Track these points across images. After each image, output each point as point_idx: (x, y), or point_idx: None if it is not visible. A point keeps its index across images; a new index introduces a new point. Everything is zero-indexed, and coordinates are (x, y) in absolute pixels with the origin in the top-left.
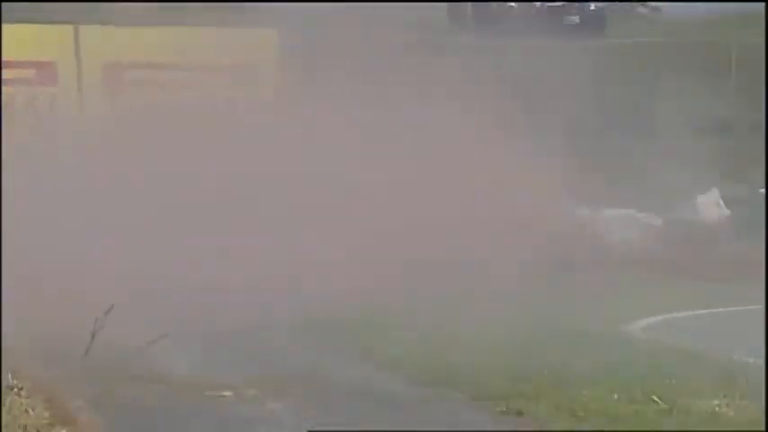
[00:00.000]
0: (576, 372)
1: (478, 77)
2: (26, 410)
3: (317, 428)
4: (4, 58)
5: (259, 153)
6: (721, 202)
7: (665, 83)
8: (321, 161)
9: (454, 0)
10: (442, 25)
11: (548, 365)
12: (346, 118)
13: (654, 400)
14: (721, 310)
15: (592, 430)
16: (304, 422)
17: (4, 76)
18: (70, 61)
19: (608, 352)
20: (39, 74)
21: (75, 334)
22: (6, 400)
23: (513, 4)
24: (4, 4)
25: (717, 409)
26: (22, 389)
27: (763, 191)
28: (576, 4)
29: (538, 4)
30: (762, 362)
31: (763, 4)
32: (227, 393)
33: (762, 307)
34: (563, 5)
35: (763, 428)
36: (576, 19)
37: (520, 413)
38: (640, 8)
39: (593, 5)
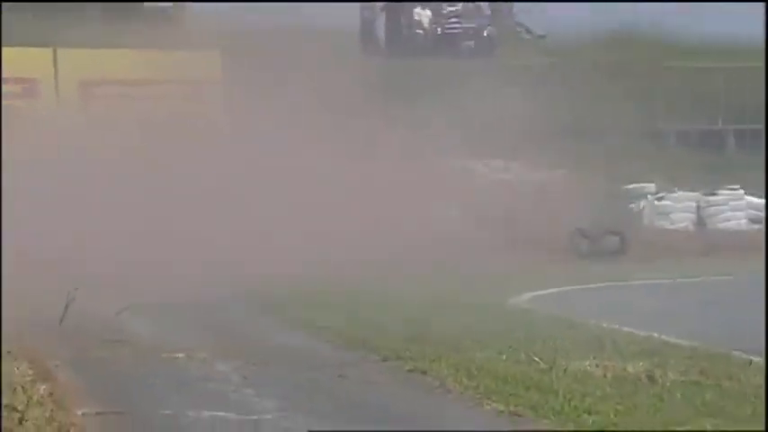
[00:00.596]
0: (470, 337)
1: (390, 94)
2: (14, 369)
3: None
4: None
5: (209, 155)
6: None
7: (544, 96)
8: (260, 164)
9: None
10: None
11: (448, 332)
12: (277, 128)
13: (536, 361)
14: (593, 285)
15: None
16: (246, 380)
17: None
18: (50, 78)
19: (498, 320)
20: (24, 89)
21: (51, 308)
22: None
23: (419, 30)
24: None
25: (588, 368)
26: (9, 352)
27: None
28: (471, 30)
29: (439, 30)
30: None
31: None
32: (181, 356)
33: (642, 283)
34: (461, 32)
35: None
36: (472, 44)
37: (424, 372)
38: (525, 34)
39: (485, 32)
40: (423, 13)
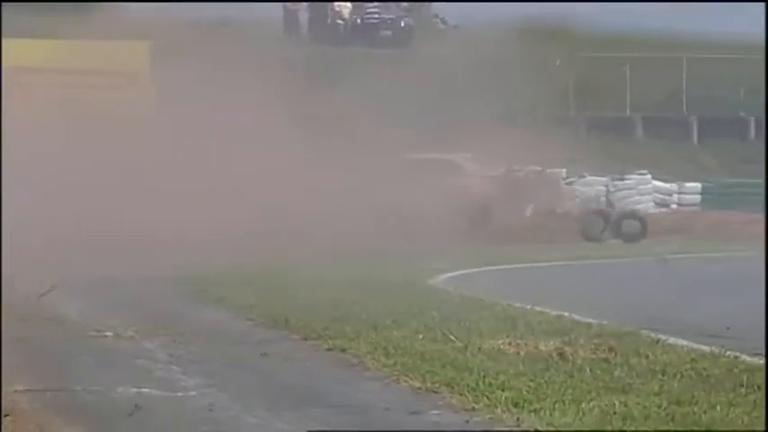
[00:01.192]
0: (388, 316)
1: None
2: None
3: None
4: None
5: (137, 141)
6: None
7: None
8: (187, 150)
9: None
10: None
11: (366, 311)
12: (204, 115)
13: (451, 340)
14: (506, 267)
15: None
16: (172, 357)
17: None
18: None
19: (414, 300)
20: None
21: None
22: None
23: (340, 21)
24: None
25: (501, 346)
26: None
27: None
28: (389, 20)
29: (359, 19)
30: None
31: None
32: (109, 334)
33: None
34: (378, 21)
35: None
36: (389, 33)
37: (343, 350)
38: (440, 25)
39: (402, 22)
40: (343, 5)
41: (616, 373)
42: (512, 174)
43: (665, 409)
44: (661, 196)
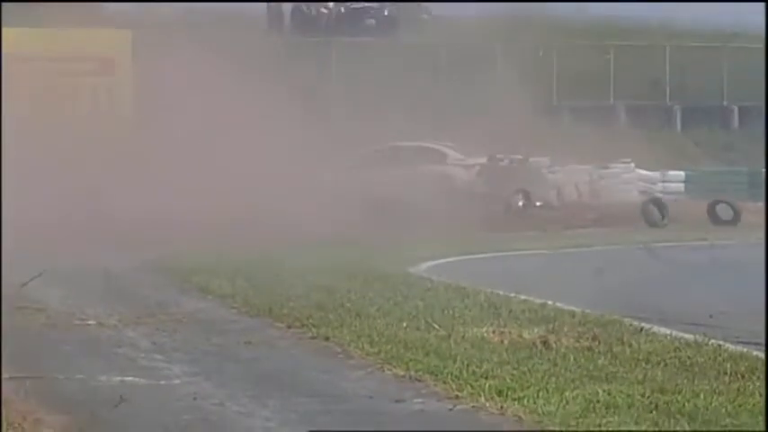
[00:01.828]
0: (372, 305)
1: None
2: None
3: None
4: None
5: (120, 130)
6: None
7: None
8: (171, 140)
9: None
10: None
11: (349, 300)
12: (188, 105)
13: (435, 328)
14: (489, 255)
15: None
16: (155, 346)
17: None
18: None
19: (397, 289)
20: None
21: None
22: None
23: (324, 9)
24: None
25: (485, 334)
26: None
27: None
28: (373, 9)
29: (342, 8)
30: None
31: None
32: (92, 322)
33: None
34: (362, 9)
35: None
36: (373, 22)
37: (327, 338)
38: (424, 15)
39: (386, 11)
40: None
41: (600, 361)
42: (495, 162)
43: (648, 397)
44: (645, 185)
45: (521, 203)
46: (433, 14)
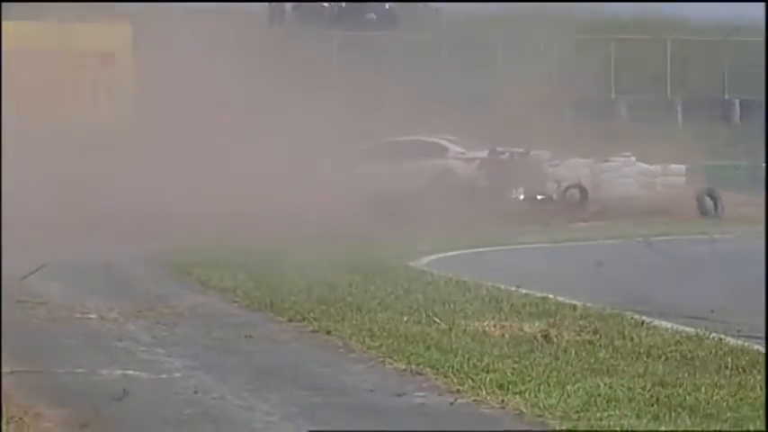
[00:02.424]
0: (373, 298)
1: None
2: None
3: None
4: None
5: (121, 123)
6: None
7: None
8: (170, 130)
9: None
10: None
11: (351, 293)
12: (189, 97)
13: (436, 322)
14: (490, 249)
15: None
16: (156, 339)
17: None
18: None
19: (398, 283)
20: None
21: None
22: None
23: (325, 4)
24: None
25: (486, 328)
26: None
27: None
28: (373, 3)
29: (343, 3)
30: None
31: None
32: (93, 316)
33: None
34: (362, 4)
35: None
36: (374, 16)
37: (328, 332)
38: (424, 9)
39: (387, 5)
40: None
41: (601, 355)
42: (495, 156)
43: (649, 390)
44: (645, 178)
45: (521, 197)
46: (433, 8)
